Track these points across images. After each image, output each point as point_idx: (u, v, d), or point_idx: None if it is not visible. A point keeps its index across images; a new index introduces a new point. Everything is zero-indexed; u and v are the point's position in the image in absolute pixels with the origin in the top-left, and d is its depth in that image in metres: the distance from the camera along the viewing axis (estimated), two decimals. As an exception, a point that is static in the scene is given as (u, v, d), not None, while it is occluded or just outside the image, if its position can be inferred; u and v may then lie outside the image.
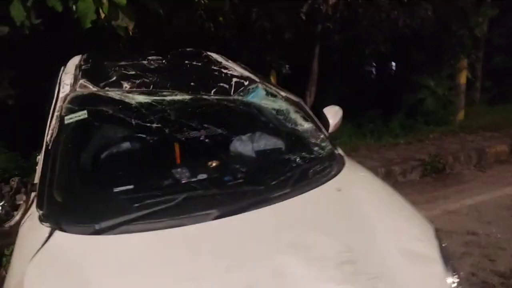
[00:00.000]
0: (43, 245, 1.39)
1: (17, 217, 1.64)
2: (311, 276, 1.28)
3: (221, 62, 2.63)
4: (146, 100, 1.98)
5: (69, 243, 1.41)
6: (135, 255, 1.35)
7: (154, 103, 1.97)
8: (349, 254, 1.37)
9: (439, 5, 6.23)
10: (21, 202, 1.67)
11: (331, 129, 2.29)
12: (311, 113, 2.27)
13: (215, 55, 2.86)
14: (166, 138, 1.89)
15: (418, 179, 4.66)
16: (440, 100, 7.00)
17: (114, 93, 1.99)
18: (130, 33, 3.55)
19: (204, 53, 2.87)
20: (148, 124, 1.88)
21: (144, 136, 1.87)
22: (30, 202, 1.66)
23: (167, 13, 4.29)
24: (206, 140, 1.94)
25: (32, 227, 1.51)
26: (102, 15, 3.34)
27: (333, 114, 2.34)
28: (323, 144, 2.02)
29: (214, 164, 1.86)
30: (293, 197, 1.63)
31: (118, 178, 1.69)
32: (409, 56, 7.81)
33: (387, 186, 1.88)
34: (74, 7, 3.49)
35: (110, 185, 1.67)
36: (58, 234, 1.44)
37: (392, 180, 4.52)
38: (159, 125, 1.89)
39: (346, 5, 5.11)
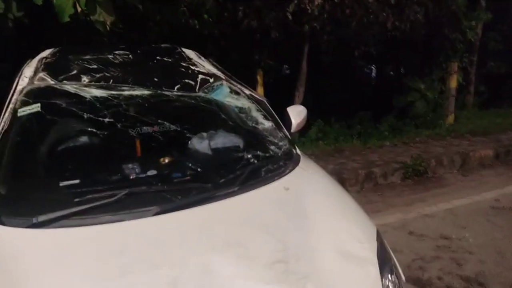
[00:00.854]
0: None
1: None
2: (239, 274, 1.27)
3: (191, 59, 2.61)
4: (102, 94, 1.96)
5: (5, 236, 1.40)
6: (67, 250, 1.34)
7: (109, 97, 1.96)
8: (283, 254, 1.36)
9: (430, 8, 6.22)
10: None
11: (293, 128, 2.28)
12: (273, 112, 2.26)
13: (188, 52, 2.84)
14: (119, 133, 1.88)
15: (399, 182, 4.65)
16: (430, 103, 7.00)
17: (70, 87, 1.98)
18: (108, 28, 3.53)
19: (178, 50, 2.85)
20: (101, 119, 1.87)
21: (95, 130, 1.86)
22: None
23: (150, 8, 4.29)
24: (159, 137, 1.93)
25: None
26: (79, 9, 3.33)
27: (297, 113, 2.33)
28: (280, 143, 2.01)
29: (165, 161, 1.85)
30: (238, 195, 1.62)
31: (64, 172, 1.68)
32: (400, 58, 7.80)
33: (338, 187, 1.87)
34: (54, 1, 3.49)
35: (54, 179, 1.65)
36: None
37: (372, 183, 4.51)
38: (111, 119, 1.87)
39: (333, 6, 5.09)
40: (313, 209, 1.60)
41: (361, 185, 4.43)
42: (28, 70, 2.17)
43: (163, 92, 2.10)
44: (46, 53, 2.50)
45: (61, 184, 1.62)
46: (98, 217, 1.46)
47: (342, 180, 4.31)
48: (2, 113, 1.92)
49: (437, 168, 4.89)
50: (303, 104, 6.40)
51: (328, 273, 1.33)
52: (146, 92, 2.06)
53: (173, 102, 2.08)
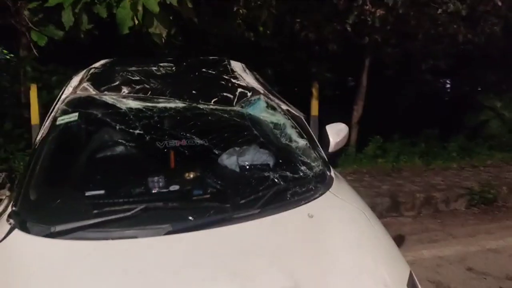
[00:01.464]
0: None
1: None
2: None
3: (235, 72, 2.55)
4: (137, 106, 1.98)
5: (22, 243, 1.44)
6: (73, 263, 1.33)
7: (143, 109, 1.97)
8: (293, 290, 1.24)
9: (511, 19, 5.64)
10: (4, 197, 1.75)
11: (331, 148, 2.12)
12: (309, 129, 2.13)
13: (235, 64, 2.80)
14: (147, 145, 1.88)
15: (463, 210, 4.22)
16: (506, 123, 6.34)
17: (109, 97, 2.02)
18: (163, 40, 3.64)
19: (224, 62, 2.81)
20: (131, 131, 1.88)
21: (125, 142, 1.88)
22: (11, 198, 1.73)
23: (207, 21, 4.37)
24: (187, 151, 1.89)
25: (1, 224, 1.57)
26: (136, 22, 3.47)
27: (336, 132, 2.17)
28: (313, 164, 1.88)
29: (190, 176, 1.80)
30: (256, 219, 1.52)
31: (91, 182, 1.70)
32: (473, 74, 7.19)
33: (371, 217, 1.67)
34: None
35: (80, 189, 1.68)
36: (15, 232, 1.47)
37: (432, 208, 4.14)
38: (141, 132, 1.88)
39: (397, 17, 4.81)
40: (337, 243, 1.45)
41: (418, 210, 4.08)
42: (75, 80, 2.27)
43: (198, 105, 2.07)
44: (97, 64, 2.61)
45: (87, 194, 1.64)
46: (111, 232, 1.44)
47: (396, 203, 4.01)
48: (45, 120, 2.02)
49: (509, 197, 4.36)
50: (362, 119, 6.18)
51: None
52: (180, 104, 2.05)
53: (206, 116, 2.04)
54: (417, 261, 3.11)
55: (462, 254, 3.22)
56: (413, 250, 3.30)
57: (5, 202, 1.72)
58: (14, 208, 1.59)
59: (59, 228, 1.44)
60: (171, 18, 3.59)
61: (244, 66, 2.88)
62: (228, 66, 2.68)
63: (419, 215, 4.06)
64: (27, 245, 1.43)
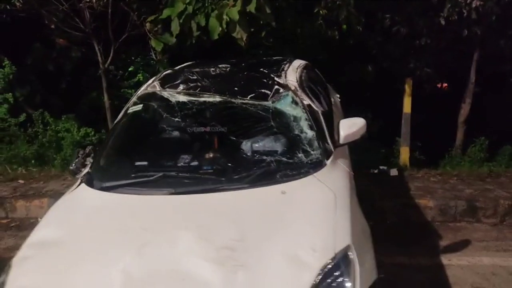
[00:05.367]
0: (69, 192, 2.13)
1: (83, 173, 2.45)
2: (191, 250, 1.59)
3: (284, 70, 2.88)
4: (183, 100, 2.52)
5: (83, 193, 2.11)
6: (107, 210, 1.94)
7: (187, 102, 2.50)
8: (236, 243, 1.59)
9: None
10: (88, 163, 2.48)
11: (342, 139, 2.30)
12: (322, 122, 2.36)
13: (295, 63, 3.13)
14: (183, 131, 2.41)
15: None
16: None
17: (166, 93, 2.61)
18: (243, 44, 4.14)
19: (286, 61, 3.16)
20: (174, 119, 2.43)
21: (169, 128, 2.45)
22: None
23: (291, 22, 4.72)
24: (211, 137, 2.35)
25: (77, 181, 2.28)
26: (219, 29, 4.06)
27: (349, 125, 2.34)
28: (313, 152, 2.13)
29: (210, 156, 2.26)
30: (237, 190, 1.90)
31: (139, 155, 2.31)
32: None
33: (342, 202, 1.84)
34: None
35: (132, 160, 2.29)
36: (81, 186, 2.16)
37: None
38: (180, 119, 2.41)
39: (501, 6, 4.38)
40: (294, 215, 1.73)
41: (501, 218, 3.73)
42: (151, 80, 2.93)
43: (232, 99, 2.50)
44: (179, 66, 3.26)
45: (136, 163, 2.23)
46: (137, 190, 2.01)
47: (474, 208, 3.75)
48: (123, 109, 2.71)
49: None
50: (469, 119, 5.69)
51: (263, 268, 1.49)
52: (218, 99, 2.51)
53: (235, 108, 2.46)
54: (471, 267, 2.97)
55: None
56: (471, 255, 3.13)
57: (88, 166, 2.45)
58: (88, 170, 2.29)
59: (106, 184, 2.07)
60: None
61: (302, 65, 3.19)
62: (285, 65, 3.02)
63: (501, 223, 3.72)
64: (86, 195, 2.08)
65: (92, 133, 5.57)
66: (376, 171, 4.80)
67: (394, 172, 4.71)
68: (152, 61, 5.84)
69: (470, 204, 3.77)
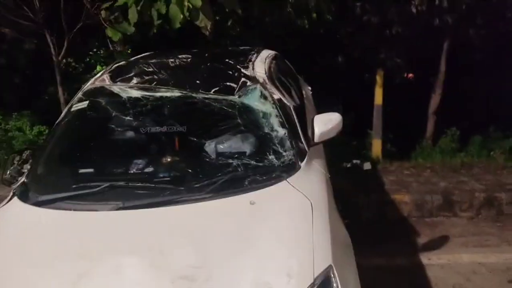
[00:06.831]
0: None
1: (19, 182, 2.09)
2: (140, 281, 1.29)
3: (251, 61, 2.60)
4: (136, 95, 2.20)
5: (14, 209, 1.77)
6: (41, 230, 1.61)
7: (141, 98, 2.18)
8: (196, 270, 1.32)
9: None
10: (25, 170, 2.13)
11: (317, 138, 2.06)
12: (294, 119, 2.12)
13: (263, 53, 2.85)
14: (135, 131, 2.09)
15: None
16: None
17: (116, 87, 2.27)
18: (207, 33, 3.83)
19: (253, 51, 2.88)
20: (125, 118, 2.11)
21: (118, 128, 2.11)
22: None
23: (259, 11, 4.44)
24: (167, 138, 2.05)
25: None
26: (181, 17, 3.73)
27: (324, 122, 2.10)
28: (284, 154, 1.88)
29: (167, 160, 1.96)
30: (199, 202, 1.62)
31: (83, 162, 1.98)
32: None
33: (320, 211, 1.61)
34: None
35: (72, 167, 1.96)
36: (13, 200, 1.81)
37: (495, 210, 3.65)
38: (131, 118, 2.09)
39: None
40: (265, 231, 1.48)
41: (477, 211, 3.65)
42: (100, 72, 2.59)
43: (193, 94, 2.20)
44: (137, 56, 2.91)
45: (71, 170, 1.91)
46: (78, 204, 1.68)
47: (450, 202, 3.64)
48: (66, 107, 2.36)
49: None
50: (440, 109, 5.63)
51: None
52: (177, 94, 2.20)
53: (197, 104, 2.16)
54: (451, 265, 2.84)
55: (509, 264, 2.83)
56: (451, 253, 3.01)
57: (25, 175, 2.09)
58: (24, 180, 1.94)
59: (42, 198, 1.74)
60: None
61: (271, 55, 2.91)
62: (252, 56, 2.74)
63: (476, 216, 3.63)
64: (17, 212, 1.74)
65: (46, 131, 5.12)
66: (349, 165, 4.63)
67: (367, 166, 4.56)
68: (114, 53, 5.43)
69: (446, 198, 3.66)
